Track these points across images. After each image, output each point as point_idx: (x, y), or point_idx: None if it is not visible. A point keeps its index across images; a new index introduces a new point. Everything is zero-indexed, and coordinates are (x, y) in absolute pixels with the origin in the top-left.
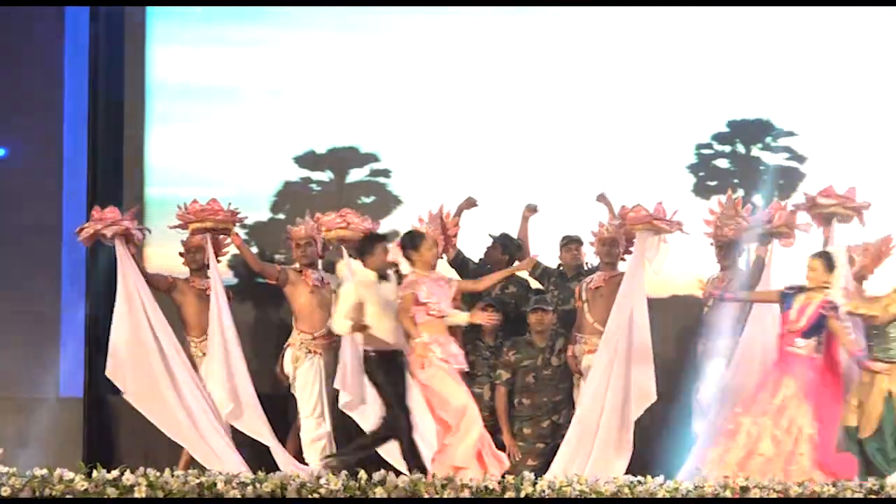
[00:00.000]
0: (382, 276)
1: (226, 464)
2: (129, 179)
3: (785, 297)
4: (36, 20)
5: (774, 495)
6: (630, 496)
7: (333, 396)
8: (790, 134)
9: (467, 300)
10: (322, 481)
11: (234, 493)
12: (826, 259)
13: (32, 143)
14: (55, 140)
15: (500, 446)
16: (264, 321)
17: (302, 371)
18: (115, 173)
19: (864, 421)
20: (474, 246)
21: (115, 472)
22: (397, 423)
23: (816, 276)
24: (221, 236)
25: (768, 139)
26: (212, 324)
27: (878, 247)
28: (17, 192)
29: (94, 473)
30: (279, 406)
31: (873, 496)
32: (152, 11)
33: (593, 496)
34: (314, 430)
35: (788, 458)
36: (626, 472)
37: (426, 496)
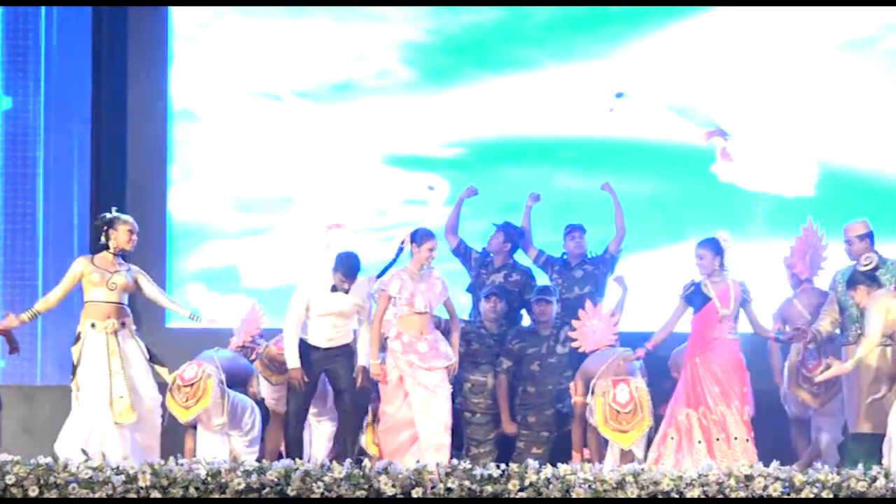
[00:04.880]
0: None
1: None
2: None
3: (692, 299)
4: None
5: (778, 485)
6: (634, 483)
7: None
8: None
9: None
10: (326, 469)
11: (239, 482)
12: (713, 245)
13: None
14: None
15: (504, 435)
16: None
17: None
18: (119, 165)
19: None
20: (477, 235)
21: (119, 461)
22: None
23: (706, 263)
24: None
25: None
26: None
27: None
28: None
29: (99, 461)
30: None
31: (880, 485)
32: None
33: (597, 484)
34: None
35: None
36: None
37: (429, 485)
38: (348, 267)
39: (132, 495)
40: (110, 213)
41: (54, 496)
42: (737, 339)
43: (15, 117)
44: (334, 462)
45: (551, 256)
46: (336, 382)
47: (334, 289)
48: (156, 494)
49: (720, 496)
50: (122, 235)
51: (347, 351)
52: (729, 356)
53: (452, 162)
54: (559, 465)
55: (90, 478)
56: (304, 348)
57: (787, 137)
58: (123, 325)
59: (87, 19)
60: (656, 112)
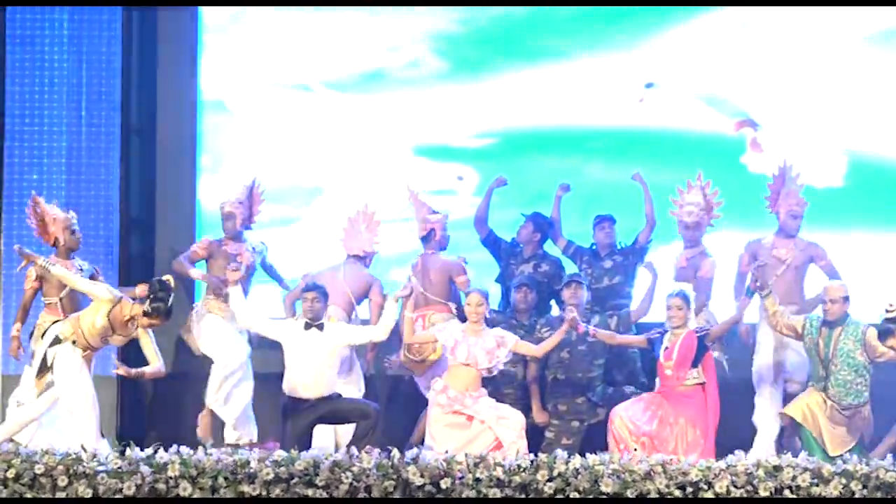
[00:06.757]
0: None
1: None
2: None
3: (653, 342)
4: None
5: (807, 476)
6: (662, 473)
7: None
8: None
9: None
10: (355, 459)
11: (268, 472)
12: (684, 298)
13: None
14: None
15: (533, 425)
16: None
17: None
18: (149, 156)
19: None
20: (507, 225)
21: (148, 451)
22: None
23: (681, 315)
24: None
25: None
26: None
27: None
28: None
29: (128, 451)
30: None
31: None
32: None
33: (625, 475)
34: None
35: None
36: None
37: (458, 475)
38: (314, 285)
39: (161, 485)
40: (166, 296)
41: (83, 486)
42: (697, 384)
43: (44, 109)
44: (363, 452)
45: (580, 247)
46: (339, 421)
47: (307, 326)
48: (185, 485)
49: (749, 486)
50: (144, 320)
51: (334, 395)
52: (690, 407)
53: (482, 152)
54: (588, 455)
55: (119, 468)
56: (292, 402)
57: (817, 128)
58: None
59: (118, 10)
60: (686, 102)
